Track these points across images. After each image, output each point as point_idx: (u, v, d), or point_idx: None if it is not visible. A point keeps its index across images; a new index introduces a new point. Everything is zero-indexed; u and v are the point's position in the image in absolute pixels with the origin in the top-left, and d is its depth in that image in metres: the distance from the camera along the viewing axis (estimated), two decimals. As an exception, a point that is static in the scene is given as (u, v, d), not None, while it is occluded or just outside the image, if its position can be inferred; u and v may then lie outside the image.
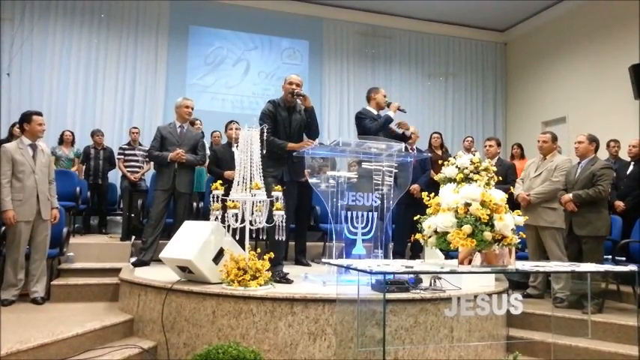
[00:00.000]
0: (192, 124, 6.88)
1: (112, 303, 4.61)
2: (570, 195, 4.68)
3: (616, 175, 6.26)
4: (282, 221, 3.91)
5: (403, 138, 5.38)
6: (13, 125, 7.09)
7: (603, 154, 6.89)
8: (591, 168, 4.71)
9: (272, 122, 4.46)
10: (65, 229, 5.13)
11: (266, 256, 3.81)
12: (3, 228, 4.58)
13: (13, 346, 3.06)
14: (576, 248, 4.70)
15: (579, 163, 4.87)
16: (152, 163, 7.11)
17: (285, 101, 4.59)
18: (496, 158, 5.90)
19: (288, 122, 4.56)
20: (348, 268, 3.06)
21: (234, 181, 4.01)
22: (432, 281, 3.85)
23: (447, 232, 2.83)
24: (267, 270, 3.79)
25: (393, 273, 3.04)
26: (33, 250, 4.51)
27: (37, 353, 3.17)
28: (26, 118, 4.57)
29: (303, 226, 5.89)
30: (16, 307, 4.30)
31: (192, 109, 5.43)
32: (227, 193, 4.00)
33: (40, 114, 4.65)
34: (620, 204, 5.82)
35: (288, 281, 4.11)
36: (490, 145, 5.95)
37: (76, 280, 4.91)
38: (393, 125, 5.41)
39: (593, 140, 4.86)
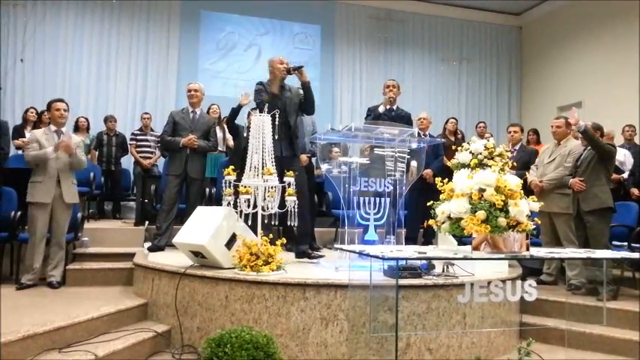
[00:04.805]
0: (208, 110, 6.90)
1: (126, 287, 4.66)
2: (577, 179, 4.70)
3: (633, 161, 6.20)
4: (294, 207, 3.91)
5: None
6: (27, 111, 7.16)
7: (619, 140, 6.79)
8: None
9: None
10: (80, 214, 5.19)
11: (278, 242, 3.82)
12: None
13: (30, 329, 3.10)
14: (584, 234, 4.68)
15: (585, 148, 4.84)
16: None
17: (274, 82, 4.53)
18: (519, 144, 5.87)
19: (281, 101, 4.49)
20: (360, 253, 3.05)
21: (246, 166, 4.00)
22: (445, 267, 3.83)
23: (461, 218, 2.80)
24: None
25: (406, 259, 3.03)
26: (52, 235, 4.58)
27: (54, 336, 3.22)
28: (48, 106, 4.73)
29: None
30: (32, 291, 4.36)
31: (195, 90, 5.36)
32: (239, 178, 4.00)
33: (60, 100, 4.73)
34: (635, 191, 5.75)
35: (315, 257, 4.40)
36: (515, 132, 5.91)
37: (90, 265, 4.97)
38: None
39: (597, 129, 4.88)
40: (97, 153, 7.55)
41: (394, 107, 5.42)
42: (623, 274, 5.00)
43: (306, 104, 4.62)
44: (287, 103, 4.53)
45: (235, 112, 5.47)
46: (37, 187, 4.45)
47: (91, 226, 6.01)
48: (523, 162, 5.52)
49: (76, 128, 7.55)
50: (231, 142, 6.32)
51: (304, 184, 4.66)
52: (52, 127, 4.64)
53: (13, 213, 4.76)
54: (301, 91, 4.63)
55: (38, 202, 4.44)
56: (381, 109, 5.27)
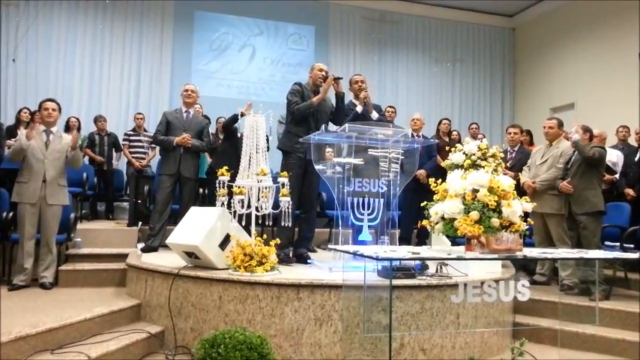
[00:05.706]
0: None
1: (119, 288, 4.64)
2: (565, 182, 4.76)
3: (624, 162, 6.23)
4: (287, 207, 3.90)
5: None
6: (20, 111, 7.11)
7: (612, 140, 6.83)
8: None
9: (301, 99, 4.52)
10: (72, 215, 5.16)
11: (272, 242, 3.82)
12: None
13: (22, 330, 3.08)
14: (576, 234, 4.73)
15: (574, 151, 4.87)
16: (157, 149, 7.12)
17: (312, 86, 4.64)
18: (517, 145, 5.89)
19: (315, 108, 4.58)
20: (354, 254, 3.05)
21: (240, 166, 4.00)
22: (439, 267, 3.84)
23: (454, 219, 2.81)
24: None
25: (400, 259, 3.03)
26: (42, 235, 4.55)
27: (46, 337, 3.20)
28: (39, 106, 4.72)
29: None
30: (25, 292, 4.34)
31: (192, 91, 5.36)
32: (233, 179, 4.00)
33: (50, 100, 4.72)
34: (629, 192, 5.78)
35: (289, 260, 4.31)
36: (515, 133, 5.92)
37: (83, 266, 4.95)
38: None
39: (587, 130, 4.94)
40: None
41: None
42: (616, 274, 5.03)
43: (338, 114, 4.72)
44: (320, 110, 4.61)
45: (235, 119, 5.48)
46: (23, 188, 4.43)
47: (84, 226, 5.97)
48: (522, 164, 5.53)
49: (67, 128, 7.50)
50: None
51: (316, 188, 4.69)
52: (42, 127, 4.62)
53: (4, 214, 4.73)
54: (333, 102, 4.73)
55: (23, 202, 4.42)
56: (359, 109, 5.19)
